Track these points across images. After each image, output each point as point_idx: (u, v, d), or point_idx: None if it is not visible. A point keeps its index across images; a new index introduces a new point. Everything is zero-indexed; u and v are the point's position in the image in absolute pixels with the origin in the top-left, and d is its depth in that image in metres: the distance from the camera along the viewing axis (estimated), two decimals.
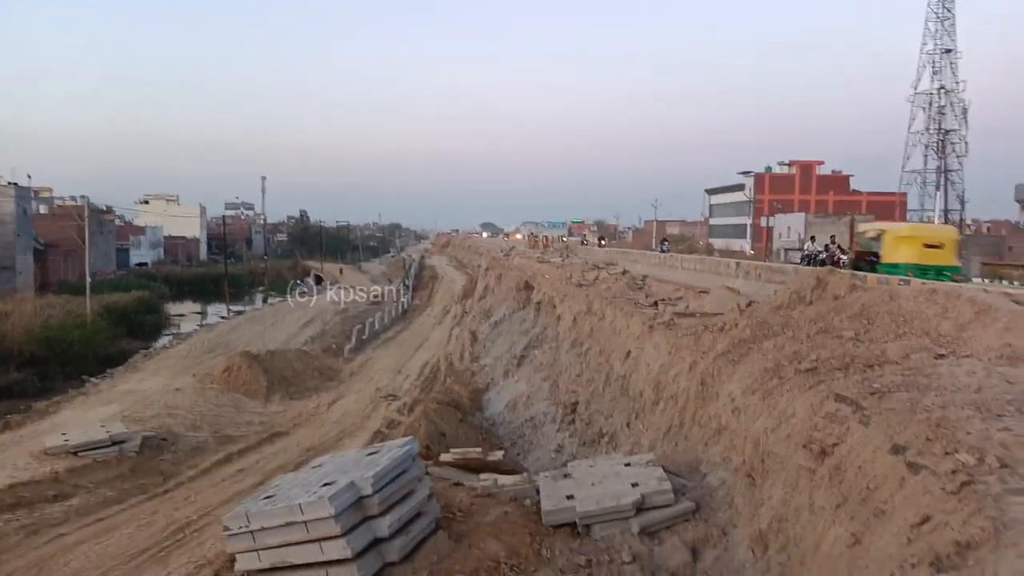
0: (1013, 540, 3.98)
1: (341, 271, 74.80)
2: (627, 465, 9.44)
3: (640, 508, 8.18)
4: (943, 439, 5.47)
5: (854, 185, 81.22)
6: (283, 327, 36.19)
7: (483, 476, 10.42)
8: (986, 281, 26.60)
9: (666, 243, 50.30)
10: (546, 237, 66.12)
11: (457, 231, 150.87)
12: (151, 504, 12.51)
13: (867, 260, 22.59)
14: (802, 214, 53.01)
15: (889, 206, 70.63)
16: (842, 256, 25.30)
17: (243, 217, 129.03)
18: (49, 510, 11.73)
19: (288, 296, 49.87)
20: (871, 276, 13.40)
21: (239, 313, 48.42)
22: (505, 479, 10.17)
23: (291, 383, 22.63)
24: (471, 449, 12.58)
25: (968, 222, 60.87)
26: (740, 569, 6.98)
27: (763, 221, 62.19)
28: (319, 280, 66.91)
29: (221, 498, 12.37)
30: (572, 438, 15.86)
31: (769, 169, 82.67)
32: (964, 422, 5.76)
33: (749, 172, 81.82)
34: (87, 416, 17.76)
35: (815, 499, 6.43)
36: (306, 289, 59.25)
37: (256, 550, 7.40)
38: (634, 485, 8.55)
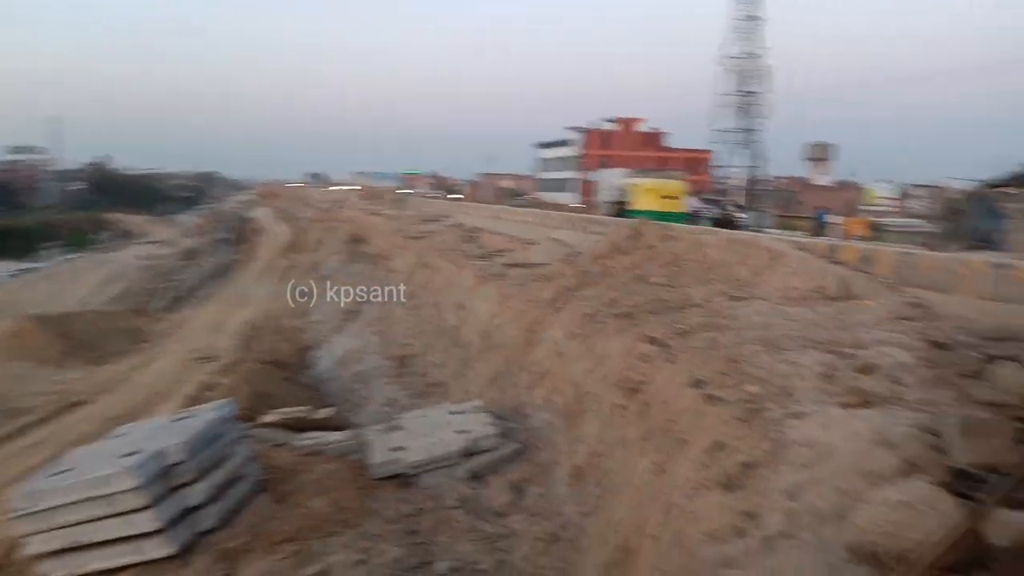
0: (789, 458, 4.47)
1: (143, 219, 68.56)
2: (456, 413, 9.60)
3: (468, 454, 8.37)
4: (735, 373, 6.02)
5: (671, 142, 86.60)
6: (81, 285, 32.70)
7: (310, 434, 10.15)
8: (779, 231, 29.66)
9: (522, 196, 51.44)
10: (378, 188, 64.64)
11: (278, 182, 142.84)
12: None
13: (622, 208, 28.11)
14: (623, 169, 55.74)
15: (701, 162, 76.06)
16: (738, 215, 29.07)
17: (32, 163, 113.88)
18: None
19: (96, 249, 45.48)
20: (681, 227, 14.40)
21: (28, 271, 43.09)
22: (333, 436, 9.97)
23: (93, 347, 20.55)
24: (297, 408, 12.18)
25: (768, 177, 67.02)
26: (560, 503, 7.35)
27: (588, 176, 64.69)
28: (123, 234, 61.04)
29: (8, 476, 11.07)
30: (404, 391, 15.83)
31: (595, 126, 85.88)
32: (753, 357, 6.37)
33: (577, 127, 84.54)
34: None
35: (626, 434, 6.89)
36: (108, 243, 54.00)
37: (49, 530, 6.72)
38: (462, 432, 8.72)
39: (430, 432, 9.00)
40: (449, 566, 6.27)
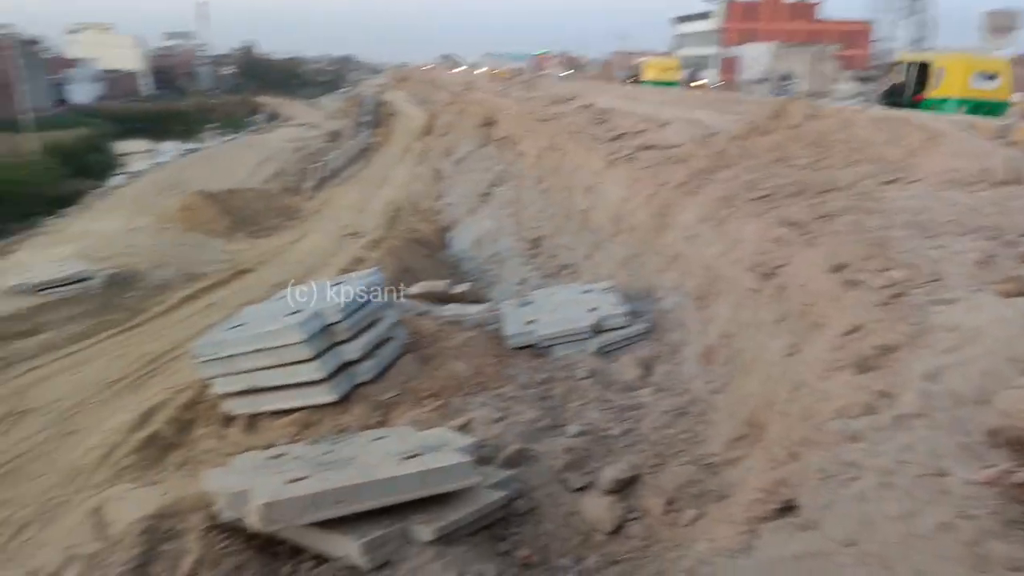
0: (929, 342, 4.38)
1: (288, 101, 71.83)
2: (586, 292, 9.88)
3: (597, 330, 8.67)
4: (880, 257, 5.82)
5: (823, 13, 78.75)
6: (239, 166, 35.14)
7: (449, 306, 10.84)
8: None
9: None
10: (507, 70, 63.55)
11: (406, 64, 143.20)
12: (121, 338, 12.74)
13: (636, 79, 39.81)
14: (768, 43, 51.53)
15: (857, 34, 68.89)
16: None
17: (184, 48, 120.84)
18: (20, 345, 11.92)
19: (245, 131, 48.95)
20: (829, 105, 13.43)
21: (192, 151, 46.71)
22: (470, 308, 10.59)
23: (252, 222, 22.39)
24: (437, 282, 12.95)
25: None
26: (688, 381, 7.56)
27: (730, 51, 60.51)
28: (272, 117, 64.28)
29: (191, 332, 12.62)
30: (535, 271, 16.32)
31: None
32: (902, 241, 6.10)
33: None
34: (46, 256, 17.51)
35: (759, 316, 6.89)
36: (258, 126, 57.16)
37: (230, 375, 7.76)
38: (592, 310, 9.01)
39: (560, 308, 9.37)
40: (579, 429, 6.70)
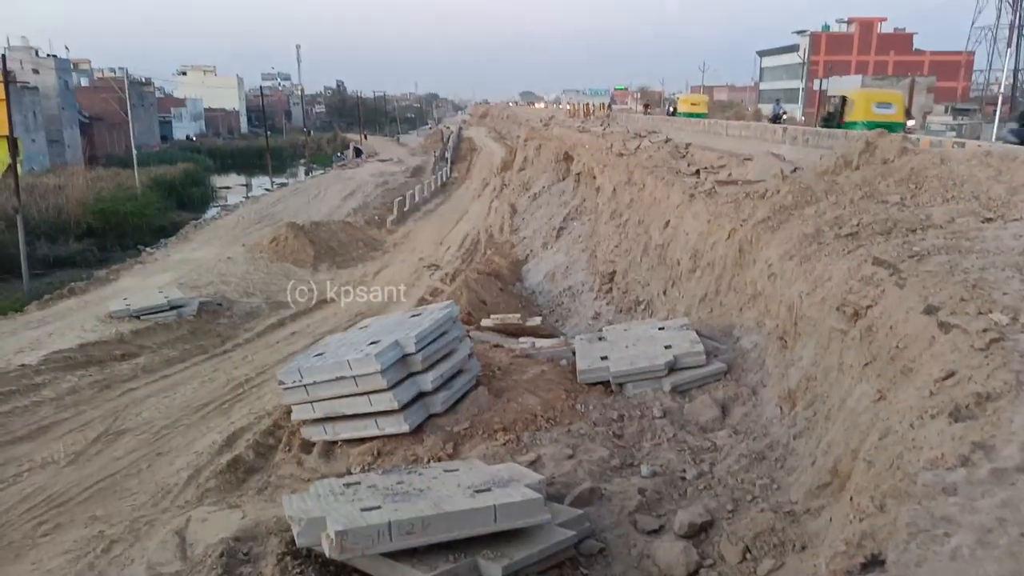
0: None
1: (365, 136, 74.76)
2: (661, 329, 9.71)
3: (672, 368, 8.48)
4: (978, 299, 5.48)
5: (918, 44, 76.04)
6: (326, 199, 36.60)
7: (522, 339, 10.87)
8: None
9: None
10: (587, 105, 63.87)
11: (487, 101, 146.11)
12: (211, 363, 13.35)
13: (675, 111, 41.99)
14: (859, 76, 50.12)
15: (953, 66, 66.24)
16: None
17: (280, 88, 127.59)
18: (118, 367, 12.65)
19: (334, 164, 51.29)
20: (924, 139, 12.89)
21: (283, 186, 48.93)
22: (543, 342, 10.59)
23: (337, 253, 23.23)
24: (510, 315, 13.01)
25: None
26: (767, 424, 7.28)
27: (816, 85, 59.03)
28: (358, 152, 66.67)
29: (276, 358, 13.14)
30: (609, 306, 16.19)
31: (826, 27, 77.54)
32: (1002, 283, 5.74)
33: (804, 31, 76.91)
34: (145, 283, 18.62)
35: (845, 359, 6.58)
36: (345, 161, 59.37)
37: (310, 402, 7.99)
38: (667, 347, 8.83)
39: (634, 344, 9.23)
40: (652, 470, 6.54)
